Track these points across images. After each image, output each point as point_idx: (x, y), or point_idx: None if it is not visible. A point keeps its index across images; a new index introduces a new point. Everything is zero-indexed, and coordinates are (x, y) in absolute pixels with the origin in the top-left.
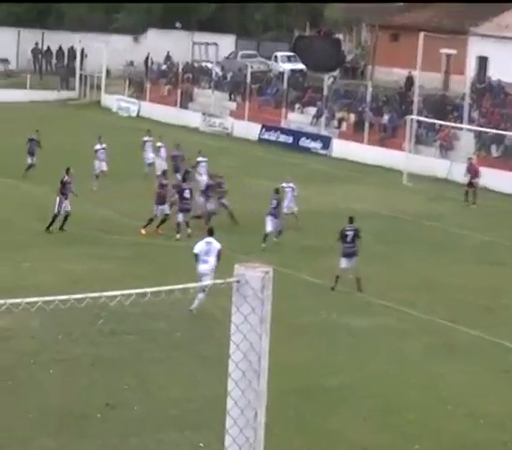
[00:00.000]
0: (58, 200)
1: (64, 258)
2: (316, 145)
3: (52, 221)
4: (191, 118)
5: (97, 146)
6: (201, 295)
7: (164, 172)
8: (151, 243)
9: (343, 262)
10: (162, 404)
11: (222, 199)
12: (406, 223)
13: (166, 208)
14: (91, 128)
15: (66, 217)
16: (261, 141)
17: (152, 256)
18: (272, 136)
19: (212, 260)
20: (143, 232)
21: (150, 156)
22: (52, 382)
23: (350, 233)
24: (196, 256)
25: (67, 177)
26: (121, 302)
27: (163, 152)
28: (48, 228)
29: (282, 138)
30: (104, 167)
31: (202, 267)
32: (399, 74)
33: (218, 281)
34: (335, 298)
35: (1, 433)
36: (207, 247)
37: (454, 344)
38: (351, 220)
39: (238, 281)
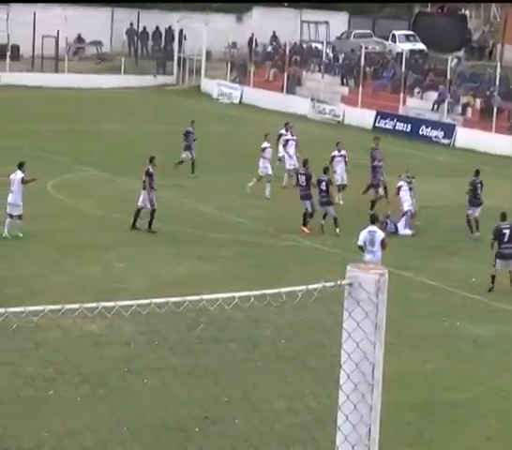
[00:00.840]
0: (147, 194)
1: (160, 258)
2: (438, 134)
3: (152, 218)
4: (299, 105)
5: (265, 144)
6: None
7: (305, 162)
8: (256, 242)
9: (499, 265)
10: (266, 418)
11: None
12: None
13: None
14: (190, 116)
15: (152, 215)
16: (376, 129)
17: (257, 256)
18: (388, 124)
19: (378, 249)
20: (305, 230)
21: (280, 148)
22: (147, 391)
23: (507, 232)
24: (361, 248)
25: (151, 168)
26: (222, 306)
27: (292, 146)
28: (149, 227)
29: (400, 126)
30: (269, 170)
31: (368, 258)
32: None
33: (329, 284)
34: (458, 304)
35: (94, 445)
36: (371, 237)
37: None
38: (504, 217)
39: (351, 284)
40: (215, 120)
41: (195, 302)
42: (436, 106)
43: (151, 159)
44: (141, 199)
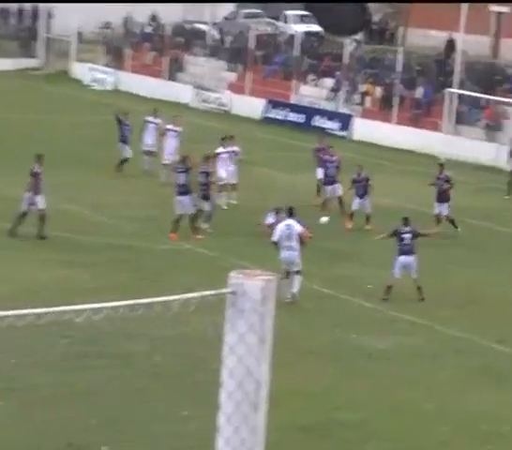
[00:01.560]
0: (28, 195)
1: (22, 264)
2: (333, 126)
3: (18, 222)
4: (181, 92)
5: (220, 149)
6: (297, 277)
7: (207, 158)
8: (131, 246)
9: (398, 267)
10: (138, 443)
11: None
12: (446, 222)
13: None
14: (58, 105)
15: (42, 219)
16: (265, 120)
17: (132, 261)
18: (279, 114)
19: (296, 245)
20: (198, 237)
21: (149, 142)
22: (2, 415)
23: (407, 237)
24: (276, 244)
25: (37, 167)
26: (91, 318)
27: (174, 136)
28: (13, 230)
29: (292, 116)
30: (233, 179)
31: (286, 254)
32: (436, 38)
33: (210, 292)
34: (353, 313)
35: None
36: (289, 231)
37: (500, 371)
38: (406, 222)
39: (234, 292)
40: (86, 109)
41: (60, 313)
42: (332, 94)
43: (38, 158)
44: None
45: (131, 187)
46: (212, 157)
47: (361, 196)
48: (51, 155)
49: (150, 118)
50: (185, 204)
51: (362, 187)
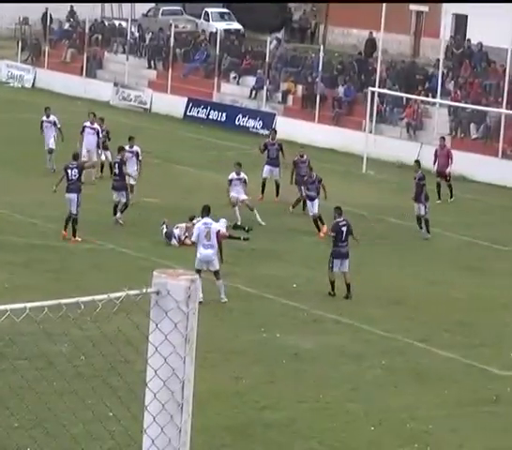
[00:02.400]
0: None
1: None
2: (255, 124)
3: None
4: (100, 90)
5: (233, 175)
6: (219, 282)
7: (120, 149)
8: (51, 245)
9: (335, 266)
10: (63, 445)
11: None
12: (367, 221)
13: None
14: None
15: None
16: (187, 118)
17: (52, 262)
18: (201, 113)
19: (215, 243)
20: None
21: (49, 140)
22: None
23: (344, 229)
24: (194, 243)
25: None
26: (11, 319)
27: (91, 133)
28: None
29: (214, 115)
30: (243, 194)
31: (205, 252)
32: (357, 36)
33: (133, 292)
34: (277, 313)
35: None
36: (207, 230)
37: (423, 370)
38: (339, 211)
39: (158, 292)
40: (1, 106)
41: None
42: (254, 93)
43: None
44: None
45: (48, 186)
46: (123, 151)
47: (312, 198)
48: None
49: (44, 118)
50: (71, 202)
51: (315, 189)
